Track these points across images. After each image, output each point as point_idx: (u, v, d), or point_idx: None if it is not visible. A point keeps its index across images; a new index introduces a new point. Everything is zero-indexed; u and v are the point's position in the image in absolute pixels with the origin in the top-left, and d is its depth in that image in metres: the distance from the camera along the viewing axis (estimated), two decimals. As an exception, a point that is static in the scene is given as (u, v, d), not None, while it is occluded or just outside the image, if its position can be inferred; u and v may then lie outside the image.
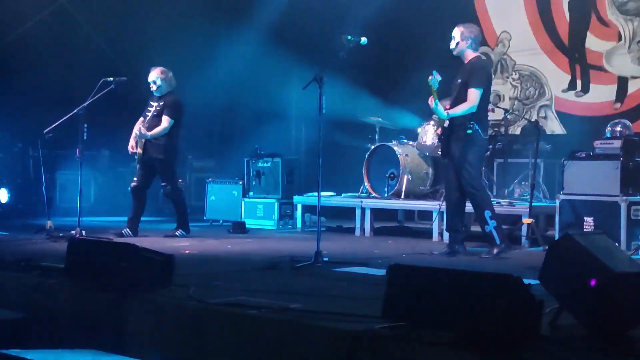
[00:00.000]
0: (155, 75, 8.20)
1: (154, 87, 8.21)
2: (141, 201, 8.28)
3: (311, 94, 6.42)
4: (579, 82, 10.19)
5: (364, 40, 6.69)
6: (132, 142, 8.26)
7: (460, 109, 6.80)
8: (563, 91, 10.33)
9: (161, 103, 8.17)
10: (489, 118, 7.12)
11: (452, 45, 6.98)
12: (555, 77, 10.40)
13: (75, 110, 7.82)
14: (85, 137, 7.85)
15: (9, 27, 11.20)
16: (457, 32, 6.96)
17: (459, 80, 6.91)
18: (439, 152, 9.00)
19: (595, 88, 10.00)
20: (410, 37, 11.07)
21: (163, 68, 8.26)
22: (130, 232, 8.09)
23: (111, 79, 7.96)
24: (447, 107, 6.91)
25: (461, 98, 6.83)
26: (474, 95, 6.75)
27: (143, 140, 8.11)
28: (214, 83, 12.21)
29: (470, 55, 6.95)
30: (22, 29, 11.31)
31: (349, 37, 6.67)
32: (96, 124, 8.14)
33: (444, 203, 8.41)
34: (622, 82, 9.74)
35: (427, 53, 10.61)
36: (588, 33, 10.10)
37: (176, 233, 8.23)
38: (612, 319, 3.33)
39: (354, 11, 10.98)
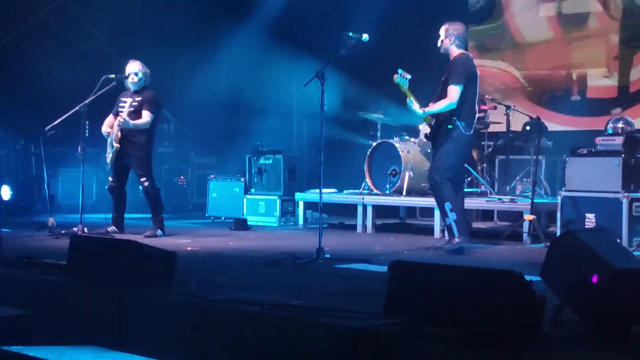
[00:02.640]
0: (137, 68, 8.03)
1: (134, 79, 8.01)
2: (121, 198, 8.19)
3: (313, 91, 6.42)
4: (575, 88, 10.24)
5: (365, 37, 6.71)
6: (106, 127, 8.04)
7: (438, 106, 6.89)
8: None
9: (138, 98, 8.00)
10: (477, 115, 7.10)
11: (439, 43, 7.08)
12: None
13: (77, 108, 7.81)
14: (87, 134, 7.84)
15: (10, 24, 11.19)
16: (442, 30, 7.07)
17: (443, 78, 6.98)
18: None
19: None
20: (411, 33, 11.06)
21: (141, 62, 8.13)
22: (116, 230, 8.07)
23: (113, 76, 7.94)
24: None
25: (442, 95, 6.90)
26: (452, 91, 6.80)
27: (119, 135, 7.87)
28: (216, 80, 12.21)
29: (454, 52, 7.01)
30: (24, 26, 11.31)
31: (351, 33, 6.68)
32: (98, 121, 8.13)
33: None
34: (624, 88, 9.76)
35: (428, 50, 10.61)
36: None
37: (156, 233, 7.95)
38: (613, 316, 3.33)
39: (356, 8, 10.97)
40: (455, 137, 6.84)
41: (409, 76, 6.88)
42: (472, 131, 6.92)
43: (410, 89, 6.94)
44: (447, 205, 6.85)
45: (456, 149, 6.90)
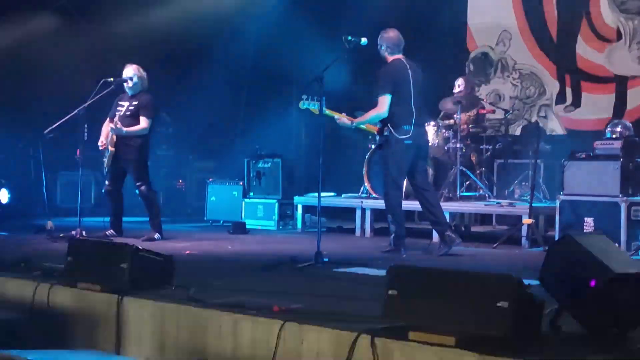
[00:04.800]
0: (132, 72, 8.00)
1: (129, 84, 7.97)
2: (118, 202, 8.17)
3: (312, 94, 6.43)
4: (568, 94, 10.20)
5: (364, 40, 6.72)
6: (102, 138, 8.00)
7: (367, 117, 7.11)
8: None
9: (135, 102, 7.96)
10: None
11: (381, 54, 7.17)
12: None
13: (76, 111, 7.80)
14: (85, 138, 7.84)
15: (9, 25, 11.18)
16: (378, 41, 7.13)
17: None
18: (440, 153, 9.08)
19: (588, 101, 10.00)
20: (410, 36, 11.06)
21: (138, 65, 8.09)
22: (114, 233, 8.04)
23: (112, 79, 7.93)
24: None
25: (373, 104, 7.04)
26: (379, 101, 6.95)
27: (114, 138, 7.84)
28: (215, 83, 12.20)
29: (389, 59, 7.11)
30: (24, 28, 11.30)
31: (350, 37, 6.68)
32: (97, 125, 8.12)
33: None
34: (621, 93, 9.74)
35: (427, 53, 10.62)
36: (578, 38, 10.10)
37: (154, 236, 7.90)
38: (611, 320, 3.33)
39: (355, 9, 10.97)
40: (391, 144, 6.95)
41: (322, 98, 6.86)
42: (410, 133, 6.94)
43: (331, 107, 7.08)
44: (389, 218, 7.09)
45: (395, 154, 6.98)
